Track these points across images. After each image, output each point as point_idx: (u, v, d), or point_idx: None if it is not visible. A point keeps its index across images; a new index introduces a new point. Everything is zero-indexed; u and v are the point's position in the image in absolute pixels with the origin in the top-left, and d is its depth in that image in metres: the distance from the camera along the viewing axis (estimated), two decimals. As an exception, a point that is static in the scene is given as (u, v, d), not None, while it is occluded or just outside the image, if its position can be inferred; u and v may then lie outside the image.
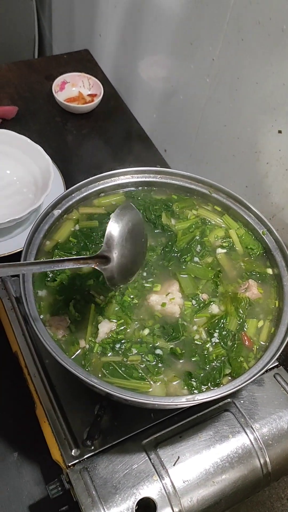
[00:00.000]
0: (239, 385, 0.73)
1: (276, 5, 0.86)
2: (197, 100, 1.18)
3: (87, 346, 0.77)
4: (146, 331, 0.80)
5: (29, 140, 1.19)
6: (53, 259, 0.82)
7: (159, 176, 0.98)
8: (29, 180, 1.18)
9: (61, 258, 0.79)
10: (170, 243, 0.91)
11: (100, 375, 0.74)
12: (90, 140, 1.43)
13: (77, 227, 0.90)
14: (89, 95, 1.52)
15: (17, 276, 0.98)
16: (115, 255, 0.70)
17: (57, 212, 0.88)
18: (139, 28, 1.35)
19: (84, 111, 1.48)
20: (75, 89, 1.53)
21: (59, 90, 1.50)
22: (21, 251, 0.82)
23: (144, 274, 0.86)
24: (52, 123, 1.46)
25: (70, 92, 1.52)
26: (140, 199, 0.96)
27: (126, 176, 0.96)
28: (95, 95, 1.51)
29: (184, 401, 0.71)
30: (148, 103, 1.45)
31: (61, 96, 1.48)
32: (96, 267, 0.69)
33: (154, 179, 0.98)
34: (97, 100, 1.47)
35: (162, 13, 1.21)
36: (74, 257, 0.80)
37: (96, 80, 1.50)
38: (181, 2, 1.11)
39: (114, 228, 0.70)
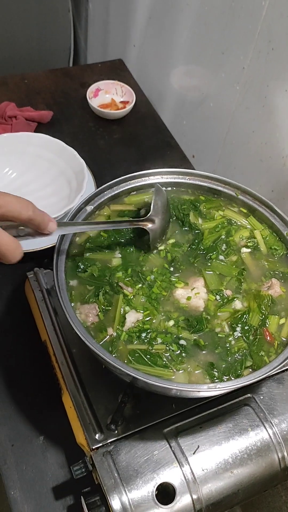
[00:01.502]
0: (260, 376, 0.75)
1: (306, 16, 0.90)
2: (227, 107, 1.22)
3: (114, 334, 0.81)
4: (171, 323, 0.83)
5: (63, 144, 1.23)
6: (111, 220, 0.94)
7: (187, 177, 1.02)
8: (63, 182, 1.22)
9: (118, 220, 0.94)
10: (196, 241, 0.95)
11: (125, 362, 0.78)
12: (121, 144, 1.48)
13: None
14: (121, 102, 1.58)
15: (50, 268, 1.03)
16: (157, 219, 0.89)
17: (89, 208, 0.93)
18: (172, 38, 1.40)
19: (116, 117, 1.54)
20: (108, 96, 1.59)
21: (93, 96, 1.56)
22: (52, 246, 0.87)
23: (171, 269, 0.90)
24: (85, 128, 1.52)
25: (103, 98, 1.58)
26: (169, 199, 1.00)
27: (156, 177, 1.01)
28: (127, 102, 1.56)
29: (206, 388, 0.74)
30: (178, 110, 1.50)
31: (94, 102, 1.54)
32: (145, 228, 0.87)
33: (183, 180, 1.02)
34: (129, 106, 1.52)
35: (196, 24, 1.26)
36: (130, 219, 0.94)
37: (129, 88, 1.56)
38: (215, 14, 1.16)
39: (158, 199, 0.90)
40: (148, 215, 0.88)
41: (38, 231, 0.73)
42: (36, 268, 1.05)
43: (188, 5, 1.25)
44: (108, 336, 0.80)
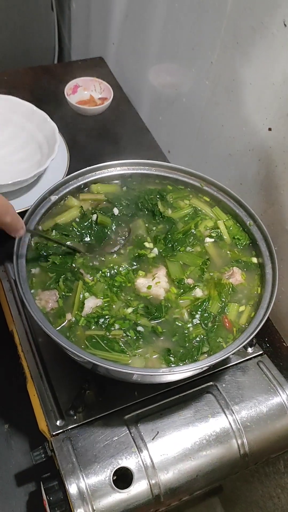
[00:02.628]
0: (214, 361, 0.76)
1: (268, 11, 0.91)
2: (198, 102, 1.23)
3: (73, 319, 0.82)
4: (130, 310, 0.84)
5: (34, 107, 1.19)
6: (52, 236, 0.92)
7: (154, 168, 1.03)
8: (34, 147, 1.19)
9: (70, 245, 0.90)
10: (169, 234, 0.95)
11: (83, 347, 0.79)
12: (98, 140, 1.49)
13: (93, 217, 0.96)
14: (100, 98, 1.59)
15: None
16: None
17: (54, 198, 0.94)
18: (148, 36, 1.42)
19: (94, 113, 1.54)
20: (86, 93, 1.60)
21: (71, 93, 1.57)
22: (25, 210, 0.91)
23: (135, 262, 0.91)
24: (63, 124, 1.53)
25: (82, 95, 1.59)
26: (136, 189, 1.01)
27: (123, 168, 1.02)
28: (106, 98, 1.57)
29: (161, 372, 0.75)
30: (154, 106, 1.51)
31: (73, 99, 1.55)
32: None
33: (149, 171, 1.03)
34: (106, 103, 1.53)
35: (168, 21, 1.27)
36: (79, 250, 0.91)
37: (107, 84, 1.57)
38: (185, 10, 1.18)
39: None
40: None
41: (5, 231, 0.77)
42: (6, 260, 1.06)
43: (161, 2, 1.27)
44: (66, 322, 0.81)
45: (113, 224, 0.96)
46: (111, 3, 1.61)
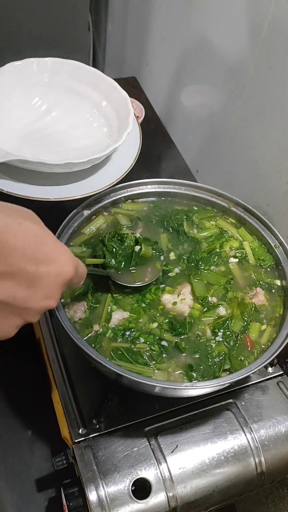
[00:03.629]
0: (236, 378, 0.78)
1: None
2: (229, 123, 1.26)
3: (100, 330, 0.85)
4: (155, 325, 0.87)
5: (101, 73, 1.05)
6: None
7: (183, 188, 1.06)
8: (101, 121, 1.07)
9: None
10: (193, 252, 0.98)
11: (108, 358, 0.81)
12: (128, 157, 1.54)
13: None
14: (132, 117, 1.64)
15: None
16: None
17: (86, 212, 0.98)
18: (182, 58, 1.46)
19: (126, 131, 1.59)
20: (119, 111, 1.65)
21: (105, 111, 1.62)
22: (92, 195, 0.93)
23: (162, 275, 0.94)
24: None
25: (114, 113, 1.64)
26: (163, 209, 1.04)
27: (153, 186, 1.06)
28: (138, 117, 1.62)
29: (183, 386, 0.77)
30: (185, 126, 1.55)
31: (106, 117, 1.60)
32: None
33: (179, 191, 1.06)
34: (138, 121, 1.58)
35: (203, 44, 1.31)
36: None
37: (139, 103, 1.62)
38: (220, 34, 1.22)
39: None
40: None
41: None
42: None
43: (196, 26, 1.31)
44: (93, 332, 0.84)
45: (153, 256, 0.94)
46: (148, 26, 1.67)
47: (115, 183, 0.97)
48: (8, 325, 0.57)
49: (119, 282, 0.87)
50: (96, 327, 0.85)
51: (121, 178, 0.98)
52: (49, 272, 0.55)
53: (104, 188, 0.95)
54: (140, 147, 1.05)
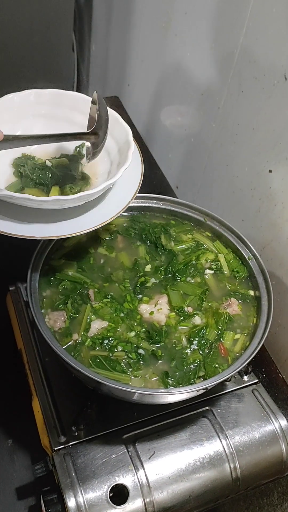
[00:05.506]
0: (210, 384, 0.81)
1: (270, 64, 1.00)
2: (205, 142, 1.32)
3: (80, 339, 0.88)
4: (133, 333, 0.90)
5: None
6: (56, 134, 0.89)
7: (161, 202, 1.11)
8: (102, 154, 0.97)
9: (63, 134, 0.89)
10: (170, 264, 1.02)
11: (87, 366, 0.84)
12: (110, 174, 1.58)
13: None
14: (113, 135, 1.69)
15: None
16: (100, 132, 0.88)
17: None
18: (161, 80, 1.53)
19: (108, 149, 1.64)
20: (101, 129, 1.69)
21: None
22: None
23: (139, 289, 0.97)
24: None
25: (97, 131, 1.69)
26: (141, 222, 1.08)
27: (133, 200, 1.09)
28: (119, 135, 1.67)
29: (159, 392, 0.80)
30: (165, 144, 1.60)
31: (88, 134, 1.65)
32: (89, 141, 0.88)
33: (157, 205, 1.11)
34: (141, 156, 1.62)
35: (180, 68, 1.37)
36: (73, 132, 0.91)
37: (121, 122, 1.67)
38: (195, 59, 1.28)
39: (102, 111, 0.90)
40: (93, 128, 0.87)
41: None
42: (18, 282, 1.13)
43: (173, 50, 1.38)
44: (72, 341, 0.87)
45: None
46: (128, 48, 1.73)
47: (108, 222, 0.90)
48: None
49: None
50: (75, 336, 0.88)
51: (116, 216, 0.92)
52: None
53: (96, 227, 0.89)
54: (141, 184, 0.99)
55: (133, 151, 0.94)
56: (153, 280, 0.98)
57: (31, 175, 0.94)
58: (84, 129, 0.97)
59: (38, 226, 0.87)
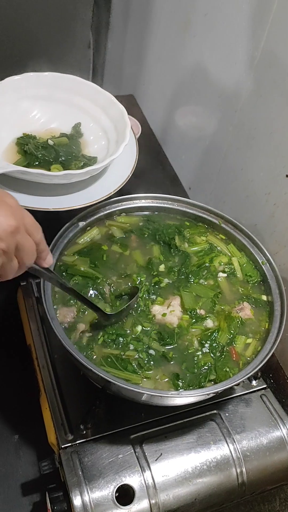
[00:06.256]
0: (221, 388, 0.81)
1: (291, 69, 1.00)
2: (220, 145, 1.31)
3: (87, 330, 0.88)
4: (139, 328, 0.90)
5: (98, 88, 1.10)
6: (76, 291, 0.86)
7: (176, 203, 1.10)
8: (99, 133, 1.10)
9: (87, 298, 0.87)
10: (183, 265, 1.02)
11: (98, 365, 0.84)
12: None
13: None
14: (127, 133, 1.68)
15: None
16: (114, 319, 0.90)
17: (81, 224, 1.01)
18: (177, 80, 1.52)
19: (121, 147, 1.63)
20: (116, 127, 1.69)
21: (102, 126, 1.67)
22: (89, 205, 0.96)
23: (153, 289, 0.97)
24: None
25: (111, 129, 1.69)
26: (156, 223, 1.08)
27: (147, 200, 1.10)
28: (134, 133, 1.67)
29: (169, 394, 0.80)
30: (179, 145, 1.60)
31: (102, 132, 1.64)
32: (100, 318, 0.88)
33: (171, 206, 1.10)
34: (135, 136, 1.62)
35: (198, 69, 1.37)
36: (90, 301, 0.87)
37: (136, 120, 1.67)
38: (214, 60, 1.27)
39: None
40: (111, 315, 0.88)
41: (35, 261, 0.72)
42: (30, 277, 1.13)
43: (191, 51, 1.37)
44: (79, 333, 0.87)
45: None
46: (145, 47, 1.73)
47: (112, 193, 1.00)
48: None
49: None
50: (81, 326, 0.87)
51: (118, 189, 1.01)
52: None
53: (102, 198, 0.98)
54: (137, 160, 1.08)
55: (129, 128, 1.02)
56: (166, 280, 0.98)
57: (35, 153, 1.01)
58: (81, 110, 1.11)
59: (48, 199, 0.94)
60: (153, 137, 1.73)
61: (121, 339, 0.88)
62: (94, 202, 0.97)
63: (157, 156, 1.67)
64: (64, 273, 0.95)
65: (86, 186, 1.00)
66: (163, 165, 1.63)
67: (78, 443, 0.90)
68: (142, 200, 1.10)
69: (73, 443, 0.89)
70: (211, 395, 0.83)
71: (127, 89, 1.99)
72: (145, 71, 1.77)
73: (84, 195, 0.98)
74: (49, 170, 1.01)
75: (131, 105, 1.84)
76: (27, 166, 1.00)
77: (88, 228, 1.04)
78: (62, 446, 0.89)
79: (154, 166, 1.62)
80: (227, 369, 0.87)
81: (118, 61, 2.07)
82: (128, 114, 1.69)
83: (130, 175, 1.03)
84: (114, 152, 0.98)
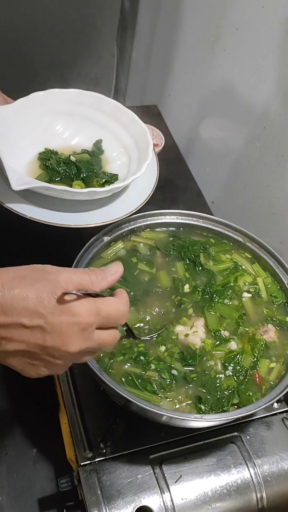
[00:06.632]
0: (244, 413, 0.80)
1: None
2: (247, 161, 1.30)
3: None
4: (166, 353, 0.89)
5: (121, 105, 1.10)
6: None
7: (201, 220, 1.09)
8: (121, 150, 1.11)
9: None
10: (208, 285, 1.01)
11: (118, 383, 0.83)
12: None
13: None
14: (151, 144, 1.68)
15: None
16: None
17: (106, 239, 1.01)
18: (204, 93, 1.51)
19: (145, 158, 1.63)
20: (139, 138, 1.69)
21: (125, 137, 1.67)
22: (109, 224, 0.97)
23: (177, 305, 0.96)
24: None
25: (135, 140, 1.68)
26: (181, 239, 1.07)
27: (172, 217, 1.09)
28: (157, 145, 1.66)
29: (193, 418, 0.79)
30: (203, 158, 1.59)
31: (126, 143, 1.64)
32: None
33: (196, 223, 1.10)
34: (157, 149, 1.62)
35: (226, 83, 1.36)
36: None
37: (159, 132, 1.66)
38: (244, 76, 1.26)
39: None
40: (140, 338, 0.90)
41: None
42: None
43: (220, 65, 1.36)
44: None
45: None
46: (171, 58, 1.72)
47: (134, 211, 1.00)
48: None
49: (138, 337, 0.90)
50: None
51: (140, 207, 1.02)
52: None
53: (124, 217, 0.98)
54: (158, 178, 1.08)
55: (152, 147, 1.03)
56: (190, 300, 0.97)
57: (57, 169, 1.01)
58: (103, 127, 1.11)
59: (71, 215, 0.95)
60: (176, 148, 1.72)
61: (142, 357, 0.88)
62: (116, 220, 0.97)
63: (180, 168, 1.66)
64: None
65: (107, 203, 1.00)
66: (185, 178, 1.63)
67: (97, 461, 0.89)
68: (167, 216, 1.09)
69: (92, 461, 0.89)
70: (234, 419, 0.82)
71: (151, 99, 1.99)
72: (170, 82, 1.77)
73: (105, 212, 0.99)
74: (71, 186, 1.01)
75: (155, 115, 1.84)
76: (49, 181, 1.00)
77: (113, 243, 1.03)
78: (81, 464, 0.88)
79: (176, 178, 1.62)
80: (250, 393, 0.86)
81: (143, 71, 2.07)
82: (151, 125, 1.70)
83: (151, 194, 1.03)
84: (136, 170, 0.99)
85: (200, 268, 1.03)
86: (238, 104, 1.31)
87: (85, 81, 2.23)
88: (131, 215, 1.00)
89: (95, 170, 1.05)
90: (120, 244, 1.03)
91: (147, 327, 0.92)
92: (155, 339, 0.91)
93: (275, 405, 1.01)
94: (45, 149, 1.07)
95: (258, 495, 0.89)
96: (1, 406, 1.04)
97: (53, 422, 0.98)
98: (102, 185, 1.02)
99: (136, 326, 0.92)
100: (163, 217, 1.09)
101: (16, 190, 0.85)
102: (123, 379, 0.85)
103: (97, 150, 1.11)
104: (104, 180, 1.03)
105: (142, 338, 0.90)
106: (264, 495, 0.89)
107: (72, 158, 1.04)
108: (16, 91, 1.09)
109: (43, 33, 1.85)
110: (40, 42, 1.88)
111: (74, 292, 0.60)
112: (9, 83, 1.13)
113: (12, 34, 1.78)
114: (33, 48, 1.86)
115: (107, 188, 0.94)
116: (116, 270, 0.68)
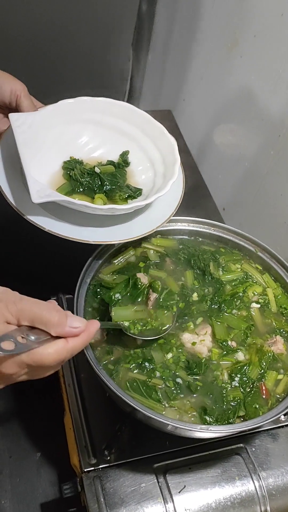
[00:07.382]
0: (251, 426, 0.79)
1: None
2: (260, 168, 1.29)
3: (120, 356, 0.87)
4: (170, 355, 0.89)
5: (150, 118, 1.05)
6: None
7: (212, 228, 1.09)
8: (147, 165, 1.07)
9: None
10: (216, 294, 1.00)
11: (123, 388, 0.83)
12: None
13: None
14: (164, 149, 1.68)
15: (71, 294, 1.11)
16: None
17: (117, 244, 1.01)
18: (220, 99, 1.51)
19: (157, 163, 1.63)
20: (152, 142, 1.69)
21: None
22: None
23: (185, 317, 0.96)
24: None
25: (147, 144, 1.68)
26: (191, 247, 1.07)
27: (183, 224, 1.08)
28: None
29: (198, 429, 0.78)
30: (216, 164, 1.58)
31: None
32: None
33: (208, 231, 1.09)
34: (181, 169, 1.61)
35: (243, 90, 1.35)
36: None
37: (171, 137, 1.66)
38: (260, 83, 1.26)
39: None
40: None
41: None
42: (60, 292, 1.13)
43: (237, 72, 1.36)
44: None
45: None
46: (187, 63, 1.72)
47: (155, 230, 0.96)
48: None
49: (135, 336, 0.89)
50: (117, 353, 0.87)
51: (161, 226, 0.98)
52: None
53: (144, 235, 0.95)
54: (182, 197, 1.04)
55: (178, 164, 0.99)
56: (198, 309, 0.96)
57: (80, 179, 0.99)
58: (131, 139, 1.07)
59: (90, 230, 0.93)
60: (188, 154, 1.72)
61: (147, 364, 0.87)
62: (136, 238, 0.95)
63: (192, 173, 1.65)
64: (98, 289, 0.96)
65: (129, 219, 0.97)
66: (197, 183, 1.62)
67: (101, 468, 0.88)
68: (178, 223, 1.08)
69: (96, 468, 0.88)
70: (239, 432, 0.81)
71: (165, 104, 1.99)
72: (186, 88, 1.77)
73: (126, 228, 0.96)
74: (93, 198, 0.98)
75: (168, 121, 1.83)
76: (71, 192, 0.98)
77: (123, 248, 1.03)
78: (85, 470, 0.88)
79: (188, 183, 1.60)
80: (257, 406, 0.85)
81: (158, 75, 2.07)
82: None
83: (174, 212, 1.00)
84: (161, 187, 0.95)
85: (209, 277, 1.02)
86: (253, 111, 1.30)
87: (99, 84, 2.23)
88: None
89: (118, 184, 1.01)
90: (130, 251, 1.03)
91: (149, 327, 0.92)
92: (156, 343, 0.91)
93: (282, 417, 1.00)
94: (71, 157, 1.04)
95: (262, 509, 0.88)
96: (5, 409, 1.04)
97: (57, 427, 0.98)
98: (125, 199, 0.99)
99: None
100: (174, 224, 1.09)
101: (36, 202, 0.82)
102: (128, 384, 0.84)
103: (123, 161, 1.07)
104: (127, 194, 0.99)
105: (144, 338, 0.89)
106: (268, 508, 0.88)
107: (97, 170, 1.00)
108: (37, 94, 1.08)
109: (63, 35, 1.86)
110: (60, 45, 1.89)
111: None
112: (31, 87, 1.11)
113: (37, 38, 1.78)
114: (54, 51, 1.87)
115: (128, 206, 0.91)
116: (78, 326, 0.69)
